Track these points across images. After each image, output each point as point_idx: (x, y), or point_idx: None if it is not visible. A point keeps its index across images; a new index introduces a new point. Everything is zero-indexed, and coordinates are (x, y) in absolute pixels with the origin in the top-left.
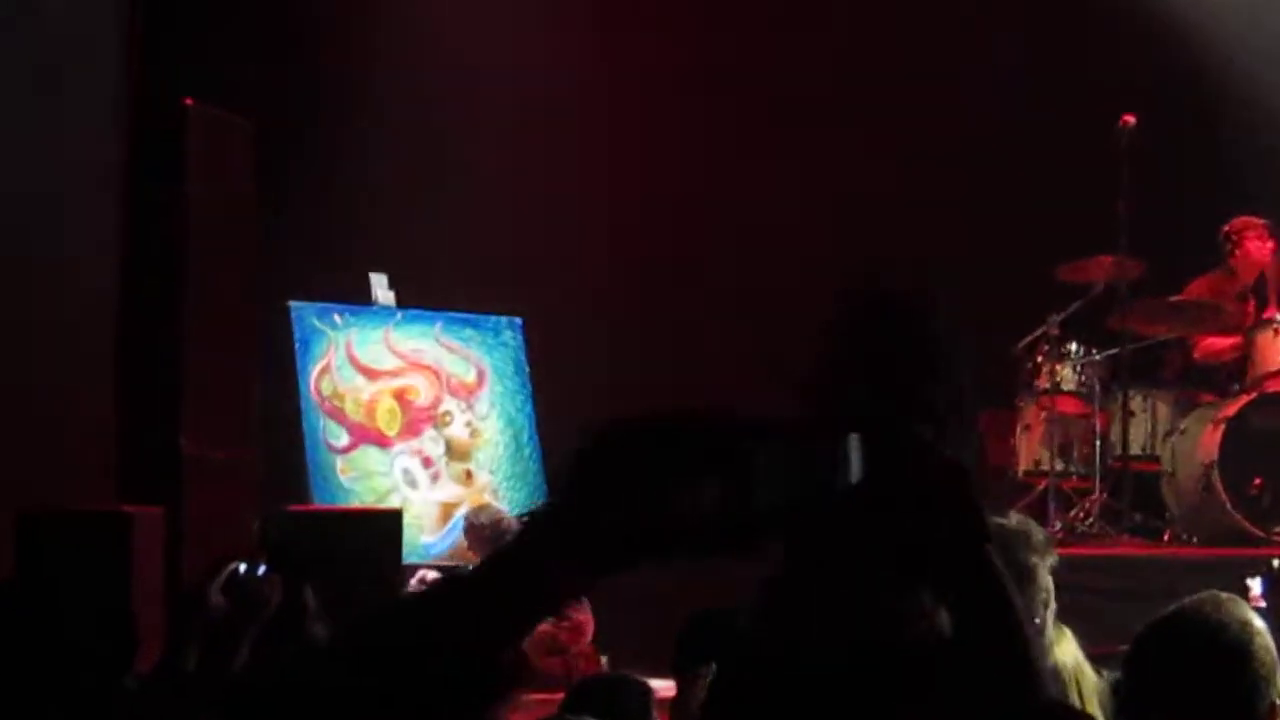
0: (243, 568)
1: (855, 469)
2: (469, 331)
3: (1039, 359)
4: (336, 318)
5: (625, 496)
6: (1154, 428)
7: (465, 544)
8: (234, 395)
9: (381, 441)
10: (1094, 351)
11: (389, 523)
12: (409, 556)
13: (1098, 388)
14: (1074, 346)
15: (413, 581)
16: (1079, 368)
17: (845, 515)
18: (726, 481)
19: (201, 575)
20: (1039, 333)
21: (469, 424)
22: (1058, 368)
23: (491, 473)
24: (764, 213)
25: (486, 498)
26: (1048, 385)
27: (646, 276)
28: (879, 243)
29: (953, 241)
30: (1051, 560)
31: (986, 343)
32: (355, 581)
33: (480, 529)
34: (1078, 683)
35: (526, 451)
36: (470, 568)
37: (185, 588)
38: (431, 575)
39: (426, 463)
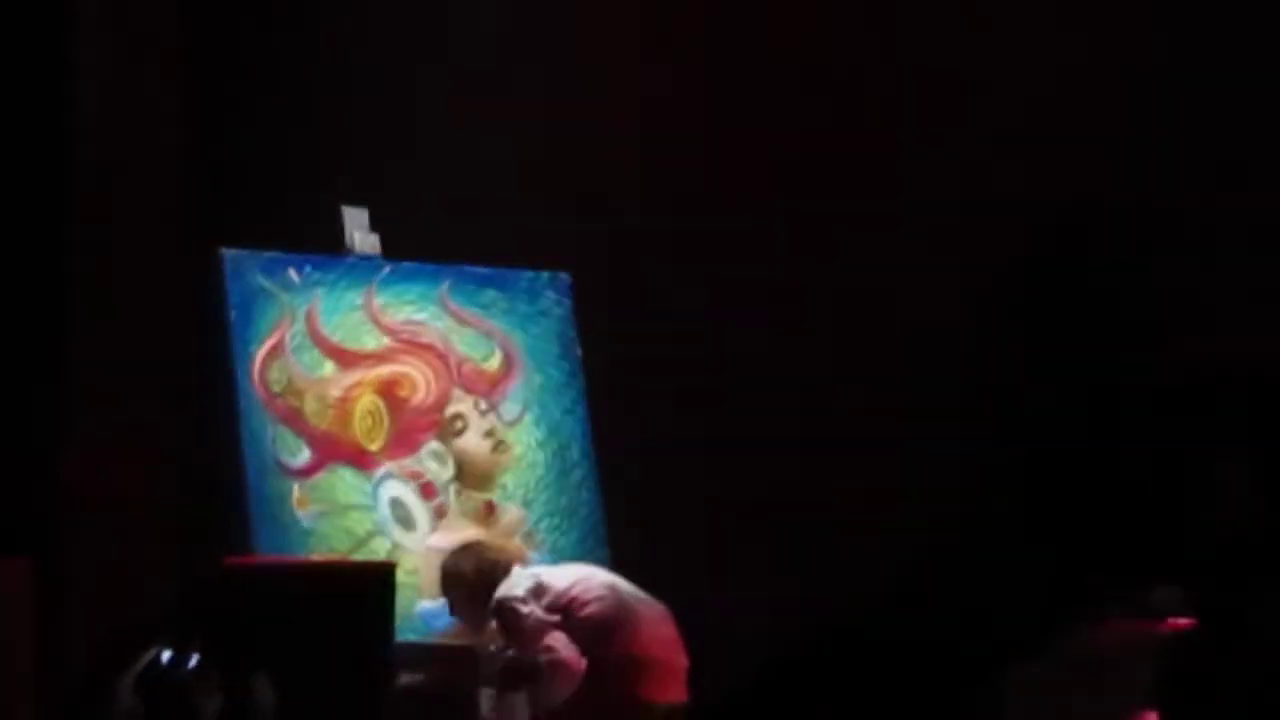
0: (165, 655)
1: None
2: (491, 294)
3: None
4: (293, 273)
5: None
6: None
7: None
8: (141, 392)
9: (360, 460)
10: None
11: (374, 582)
12: (402, 631)
13: None
14: None
15: None
16: None
17: None
18: None
19: (104, 662)
20: None
21: (491, 432)
22: None
23: (525, 505)
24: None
25: (516, 542)
26: None
27: (743, 211)
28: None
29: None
30: None
31: None
32: (325, 670)
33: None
34: None
35: (577, 475)
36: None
37: (79, 678)
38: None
39: (427, 491)
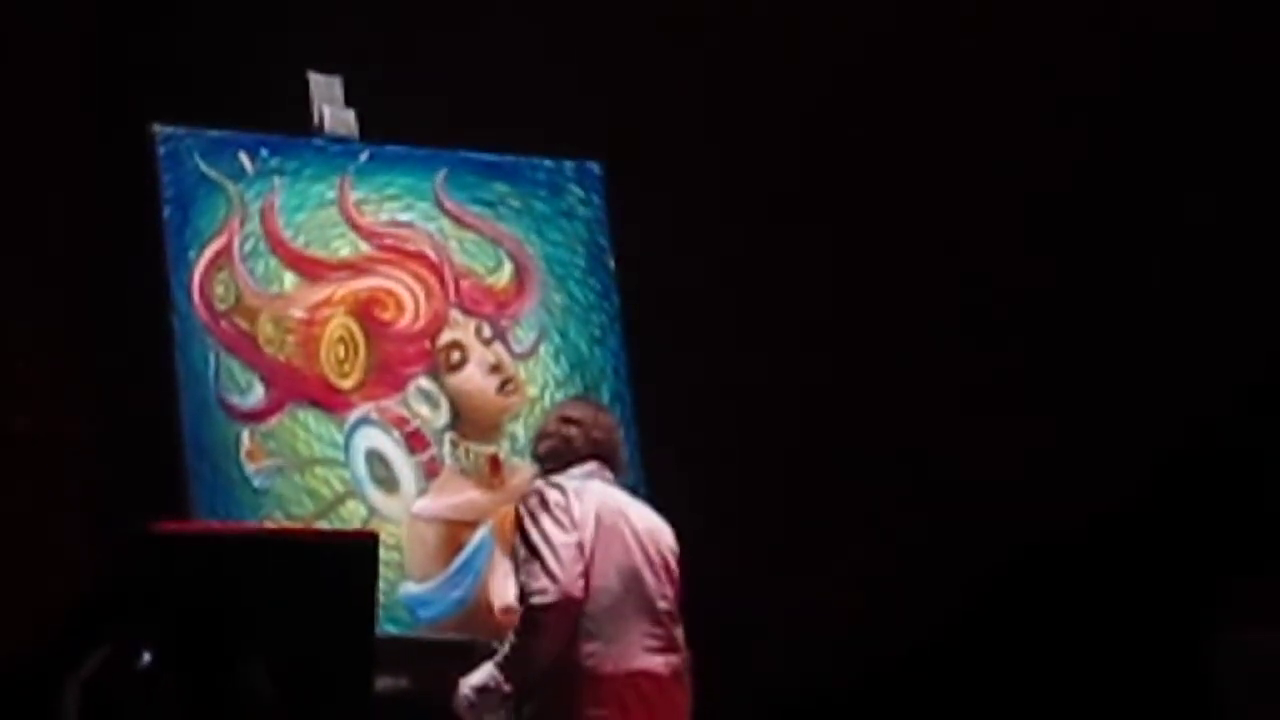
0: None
1: None
2: (501, 188)
3: None
4: (245, 158)
5: None
6: None
7: (489, 593)
8: (48, 310)
9: (328, 400)
10: None
11: (349, 559)
12: (381, 623)
13: None
14: None
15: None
16: None
17: None
18: None
19: (38, 660)
20: None
21: (497, 367)
22: None
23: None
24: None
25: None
26: None
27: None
28: None
29: None
30: None
31: None
32: (286, 672)
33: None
34: None
35: None
36: (508, 646)
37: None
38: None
39: (415, 441)
